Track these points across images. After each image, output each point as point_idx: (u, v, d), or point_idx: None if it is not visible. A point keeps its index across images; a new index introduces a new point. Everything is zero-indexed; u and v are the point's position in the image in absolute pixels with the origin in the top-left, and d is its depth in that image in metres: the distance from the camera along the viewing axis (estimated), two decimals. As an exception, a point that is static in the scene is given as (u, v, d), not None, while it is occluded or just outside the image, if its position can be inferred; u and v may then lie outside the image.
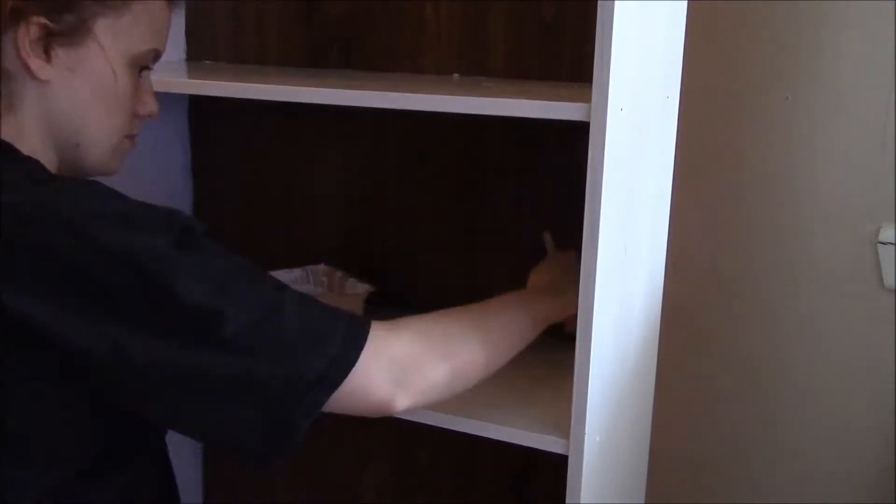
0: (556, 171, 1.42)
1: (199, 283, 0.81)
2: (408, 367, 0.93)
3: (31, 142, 0.94)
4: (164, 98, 1.62)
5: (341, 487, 1.71)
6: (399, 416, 1.19)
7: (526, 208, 1.45)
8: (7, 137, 0.93)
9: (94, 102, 0.96)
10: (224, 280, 0.83)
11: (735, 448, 1.58)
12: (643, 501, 1.45)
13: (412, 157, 1.52)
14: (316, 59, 1.55)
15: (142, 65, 1.01)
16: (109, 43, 0.95)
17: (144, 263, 0.80)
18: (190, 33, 1.63)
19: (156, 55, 1.03)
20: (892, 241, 1.41)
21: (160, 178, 1.64)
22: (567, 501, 1.08)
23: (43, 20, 0.90)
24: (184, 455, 1.77)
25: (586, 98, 0.98)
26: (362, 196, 1.57)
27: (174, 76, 1.43)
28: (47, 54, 0.92)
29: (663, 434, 1.50)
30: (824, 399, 1.51)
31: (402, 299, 1.56)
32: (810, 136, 1.45)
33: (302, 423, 0.85)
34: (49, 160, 0.96)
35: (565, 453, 1.08)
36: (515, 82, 1.38)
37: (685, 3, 1.29)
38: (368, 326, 0.92)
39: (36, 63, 0.91)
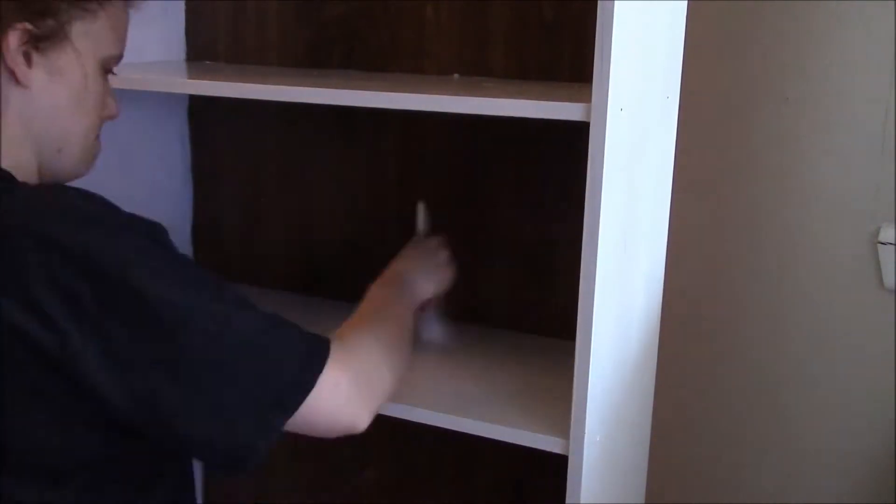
0: (556, 171, 1.42)
1: (169, 289, 0.82)
2: (365, 385, 0.95)
3: (16, 150, 0.94)
4: (164, 98, 1.63)
5: (341, 487, 1.71)
6: (399, 416, 1.19)
7: (526, 208, 1.45)
8: None
9: (73, 106, 0.97)
10: (188, 292, 0.83)
11: (735, 448, 1.58)
12: (643, 501, 1.45)
13: (412, 157, 1.52)
14: (316, 59, 1.55)
15: (108, 68, 1.02)
16: (84, 47, 0.96)
17: (107, 266, 0.80)
18: (190, 33, 1.63)
19: (118, 58, 1.04)
20: (892, 241, 1.41)
21: (160, 178, 1.64)
22: (567, 501, 1.08)
23: (28, 26, 0.90)
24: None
25: (586, 98, 0.98)
26: (362, 196, 1.57)
27: (174, 76, 1.43)
28: (28, 60, 0.92)
29: (663, 434, 1.50)
30: (824, 399, 1.51)
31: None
32: (810, 136, 1.45)
33: (261, 445, 0.87)
34: (31, 167, 0.96)
35: (565, 453, 1.08)
36: (515, 82, 1.38)
37: (685, 3, 1.29)
38: (328, 350, 0.92)
39: (20, 69, 0.91)
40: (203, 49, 1.63)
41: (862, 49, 1.40)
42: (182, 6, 1.62)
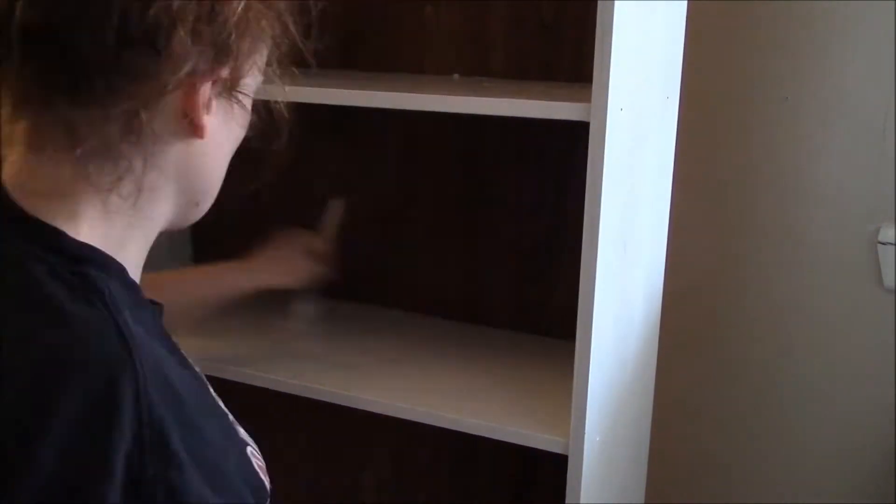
0: (556, 171, 1.42)
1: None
2: None
3: (155, 206, 0.76)
4: (165, 98, 1.62)
5: (341, 487, 1.71)
6: (399, 416, 1.19)
7: (526, 208, 1.45)
8: (124, 212, 0.74)
9: (230, 153, 0.83)
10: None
11: (734, 448, 1.58)
12: (643, 501, 1.45)
13: (412, 156, 1.52)
14: (316, 59, 1.55)
15: None
16: (253, 84, 0.81)
17: None
18: (190, 33, 1.63)
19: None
20: (892, 242, 1.41)
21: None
22: (567, 501, 1.08)
23: (224, 73, 0.74)
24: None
25: (586, 98, 0.98)
26: (362, 196, 1.57)
27: (174, 76, 1.43)
28: (209, 107, 0.75)
29: (663, 434, 1.50)
30: (824, 399, 1.51)
31: (402, 300, 1.56)
32: (810, 136, 1.45)
33: None
34: (163, 222, 0.80)
35: (565, 453, 1.08)
36: (515, 82, 1.38)
37: (685, 3, 1.29)
38: None
39: (202, 119, 0.74)
40: (203, 49, 1.63)
41: (862, 49, 1.40)
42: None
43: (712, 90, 1.49)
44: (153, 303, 0.78)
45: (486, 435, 1.14)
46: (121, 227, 0.73)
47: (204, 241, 1.73)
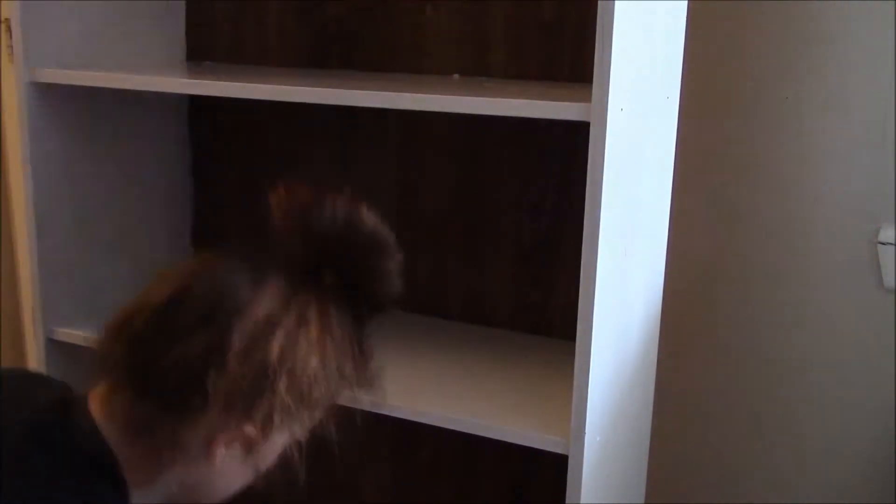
0: (556, 171, 1.42)
1: None
2: None
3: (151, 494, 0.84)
4: (164, 98, 1.62)
5: (341, 487, 1.71)
6: (399, 416, 1.19)
7: (526, 208, 1.45)
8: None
9: (237, 488, 0.88)
10: None
11: (735, 448, 1.58)
12: (643, 501, 1.45)
13: (412, 156, 1.52)
14: (316, 59, 1.55)
15: None
16: (286, 436, 0.86)
17: None
18: (190, 33, 1.63)
19: None
20: (892, 242, 1.41)
21: (160, 179, 1.64)
22: (567, 501, 1.08)
23: (251, 431, 0.80)
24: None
25: (586, 98, 0.98)
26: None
27: (174, 76, 1.43)
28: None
29: (663, 434, 1.50)
30: (824, 398, 1.51)
31: (402, 300, 1.56)
32: (810, 136, 1.45)
33: None
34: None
35: (565, 453, 1.08)
36: (515, 82, 1.38)
37: (685, 3, 1.29)
38: None
39: (219, 454, 0.81)
40: (203, 49, 1.63)
41: (862, 49, 1.40)
42: (182, 6, 1.62)
43: (712, 90, 1.48)
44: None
45: (486, 435, 1.14)
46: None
47: (204, 241, 1.73)
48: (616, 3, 0.95)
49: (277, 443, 0.85)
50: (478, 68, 1.43)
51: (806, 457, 1.54)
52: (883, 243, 1.42)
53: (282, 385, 0.78)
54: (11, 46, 1.36)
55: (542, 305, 1.46)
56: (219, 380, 0.76)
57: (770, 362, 1.53)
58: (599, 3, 0.95)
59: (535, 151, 1.43)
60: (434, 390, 1.23)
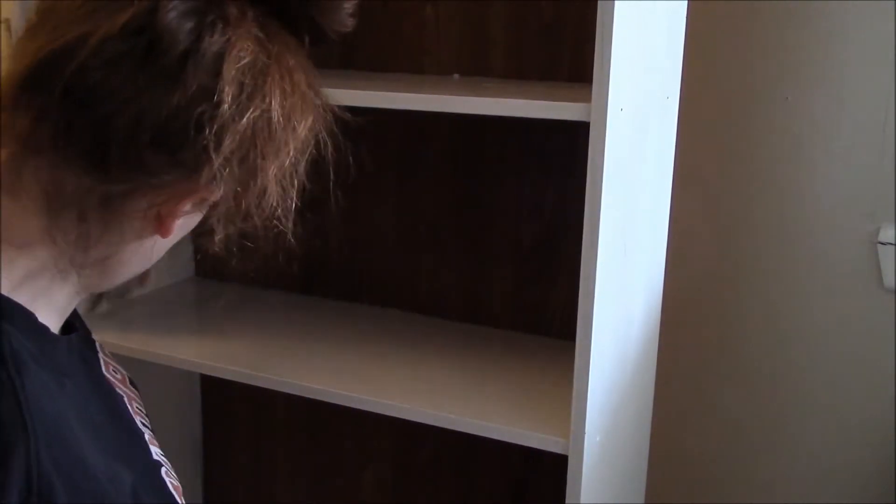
0: (556, 171, 1.42)
1: None
2: None
3: (94, 277, 0.76)
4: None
5: (341, 487, 1.71)
6: (399, 416, 1.19)
7: (526, 208, 1.45)
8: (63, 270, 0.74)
9: (173, 243, 0.82)
10: None
11: (734, 448, 1.58)
12: (643, 501, 1.45)
13: (412, 157, 1.52)
14: (316, 59, 1.55)
15: None
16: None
17: None
18: (190, 33, 1.63)
19: None
20: (892, 242, 1.41)
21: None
22: (567, 501, 1.08)
23: (205, 196, 0.74)
24: (184, 455, 1.77)
25: (586, 98, 0.98)
26: (362, 196, 1.57)
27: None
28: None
29: (663, 434, 1.50)
30: (824, 399, 1.51)
31: (402, 300, 1.56)
32: (810, 136, 1.45)
33: None
34: (87, 292, 0.79)
35: (565, 453, 1.08)
36: (515, 82, 1.38)
37: (685, 3, 1.29)
38: None
39: (173, 226, 0.75)
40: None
41: (862, 49, 1.40)
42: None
43: (712, 90, 1.49)
44: (73, 328, 0.79)
45: (486, 435, 1.14)
46: (51, 280, 0.73)
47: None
48: (616, 3, 0.95)
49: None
50: (478, 68, 1.43)
51: (806, 457, 1.54)
52: (883, 243, 1.42)
53: (261, 121, 0.70)
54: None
55: (541, 305, 1.46)
56: (202, 125, 0.67)
57: (770, 362, 1.54)
58: (599, 3, 0.95)
59: (535, 151, 1.43)
60: (434, 390, 1.23)
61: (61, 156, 0.68)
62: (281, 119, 0.71)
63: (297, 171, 0.77)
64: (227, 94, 0.67)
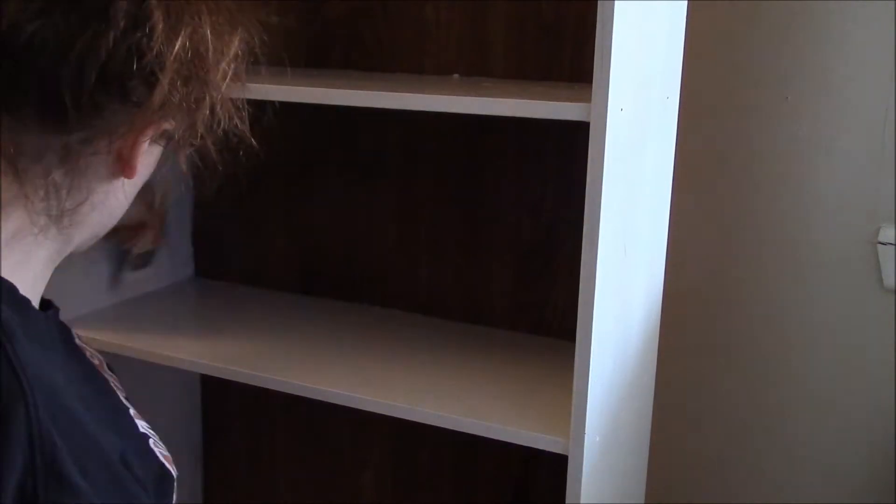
0: (556, 171, 1.42)
1: None
2: None
3: (71, 235, 0.77)
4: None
5: (341, 487, 1.71)
6: (399, 416, 1.19)
7: (526, 208, 1.45)
8: (37, 233, 0.74)
9: (140, 186, 0.82)
10: None
11: (734, 448, 1.58)
12: (643, 501, 1.45)
13: (412, 156, 1.52)
14: (316, 59, 1.55)
15: None
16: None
17: None
18: (190, 33, 1.63)
19: None
20: (892, 242, 1.41)
21: (159, 179, 1.64)
22: (567, 501, 1.08)
23: (170, 125, 0.74)
24: (184, 455, 1.77)
25: (586, 98, 0.98)
26: (362, 196, 1.57)
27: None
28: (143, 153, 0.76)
29: (663, 434, 1.50)
30: (824, 399, 1.51)
31: (402, 300, 1.56)
32: (810, 136, 1.45)
33: None
34: (66, 252, 0.79)
35: (565, 453, 1.08)
36: (516, 83, 1.38)
37: (685, 3, 1.29)
38: None
39: (138, 164, 0.76)
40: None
41: (862, 49, 1.40)
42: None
43: (712, 90, 1.49)
44: (49, 306, 0.79)
45: (486, 435, 1.14)
46: (28, 246, 0.74)
47: (204, 241, 1.73)
48: (616, 3, 0.95)
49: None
50: (478, 68, 1.43)
51: (806, 457, 1.54)
52: (883, 243, 1.42)
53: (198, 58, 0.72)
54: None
55: (541, 305, 1.46)
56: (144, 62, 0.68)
57: (770, 362, 1.53)
58: (599, 3, 0.95)
59: (535, 151, 1.43)
60: (434, 390, 1.23)
61: (15, 116, 0.69)
62: (213, 32, 0.73)
63: (241, 82, 0.78)
64: (157, 17, 0.68)
